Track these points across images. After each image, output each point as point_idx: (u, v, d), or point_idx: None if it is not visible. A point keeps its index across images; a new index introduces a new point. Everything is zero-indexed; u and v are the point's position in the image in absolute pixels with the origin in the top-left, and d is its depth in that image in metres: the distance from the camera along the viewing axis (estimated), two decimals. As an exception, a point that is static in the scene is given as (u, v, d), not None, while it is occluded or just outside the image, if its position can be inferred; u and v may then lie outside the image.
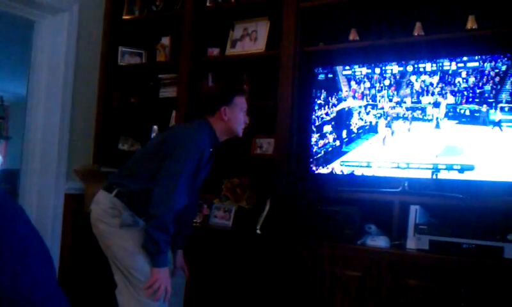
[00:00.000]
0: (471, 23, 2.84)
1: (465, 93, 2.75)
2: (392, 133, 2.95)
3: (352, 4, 3.18)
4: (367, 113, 3.04)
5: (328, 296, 2.73)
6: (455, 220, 2.72)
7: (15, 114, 8.96)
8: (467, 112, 2.74)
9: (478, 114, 2.71)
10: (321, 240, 2.81)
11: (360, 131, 3.05)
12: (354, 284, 2.66)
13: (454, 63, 2.80)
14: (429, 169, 2.81)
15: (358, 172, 3.01)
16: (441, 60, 2.84)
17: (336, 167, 3.08)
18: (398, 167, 2.90)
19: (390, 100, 2.97)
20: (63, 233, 3.78)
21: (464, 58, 2.77)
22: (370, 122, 3.02)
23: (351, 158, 3.05)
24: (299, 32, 3.24)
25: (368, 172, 2.98)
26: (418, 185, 2.85)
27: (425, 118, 2.86)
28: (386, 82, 3.00)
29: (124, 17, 4.05)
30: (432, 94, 2.85)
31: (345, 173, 3.06)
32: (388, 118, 2.97)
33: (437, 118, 2.83)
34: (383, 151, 2.96)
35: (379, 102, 3.01)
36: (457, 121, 2.77)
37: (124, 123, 4.06)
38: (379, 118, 3.00)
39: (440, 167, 2.78)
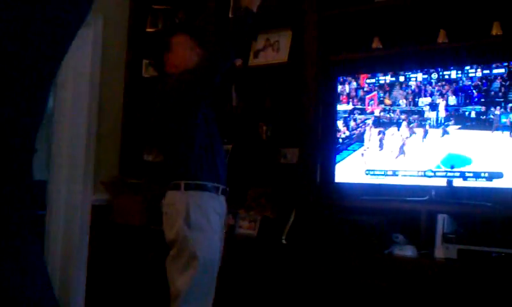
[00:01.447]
0: (496, 30, 2.82)
1: (494, 100, 2.73)
2: (418, 138, 2.94)
3: (375, 12, 3.18)
4: (389, 121, 3.03)
5: (355, 306, 2.71)
6: (483, 229, 2.68)
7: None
8: (494, 119, 2.72)
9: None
10: (348, 250, 2.80)
11: (381, 139, 3.04)
12: (382, 294, 2.64)
13: (479, 70, 2.78)
14: (456, 177, 2.79)
15: (383, 181, 3.00)
16: (467, 67, 2.82)
17: (362, 176, 3.07)
18: (424, 175, 2.88)
19: (416, 107, 2.96)
20: (91, 245, 3.83)
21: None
22: (393, 129, 3.01)
23: (376, 167, 3.04)
24: (322, 42, 3.25)
25: (394, 181, 2.97)
26: (445, 194, 2.83)
27: (446, 123, 2.84)
28: (410, 89, 2.99)
29: (147, 30, 4.10)
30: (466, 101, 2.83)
31: (370, 182, 3.05)
32: (412, 125, 2.95)
33: (460, 126, 2.80)
34: (408, 159, 2.95)
35: (404, 108, 2.99)
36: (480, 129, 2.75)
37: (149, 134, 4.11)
38: (400, 125, 2.98)
39: (467, 175, 2.76)
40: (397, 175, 2.97)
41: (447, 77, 2.89)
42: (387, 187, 2.99)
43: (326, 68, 3.26)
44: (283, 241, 3.07)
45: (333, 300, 2.78)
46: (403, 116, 3.00)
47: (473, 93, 2.80)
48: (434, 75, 2.93)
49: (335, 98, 3.23)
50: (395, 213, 2.88)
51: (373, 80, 3.13)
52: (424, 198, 2.84)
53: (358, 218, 2.85)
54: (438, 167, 2.85)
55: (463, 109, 2.82)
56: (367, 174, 3.06)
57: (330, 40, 3.30)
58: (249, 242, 3.22)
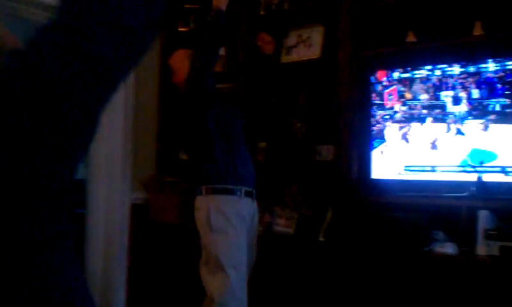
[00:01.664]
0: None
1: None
2: (452, 133, 2.90)
3: (408, 5, 3.13)
4: (426, 115, 3.00)
5: (395, 305, 2.72)
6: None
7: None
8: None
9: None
10: (387, 248, 2.80)
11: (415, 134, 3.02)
12: (423, 292, 2.64)
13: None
14: (497, 172, 2.75)
15: (422, 177, 2.98)
16: (505, 60, 2.77)
17: (400, 172, 3.06)
18: (464, 171, 2.85)
19: (454, 102, 2.92)
20: (130, 243, 3.91)
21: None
22: (430, 124, 2.98)
23: (415, 162, 3.01)
24: (355, 36, 3.23)
25: (432, 177, 2.94)
26: (485, 189, 2.79)
27: (488, 118, 2.80)
28: (445, 84, 2.95)
29: (179, 29, 4.13)
30: (497, 94, 2.79)
31: (407, 179, 3.03)
32: (450, 120, 2.92)
33: (501, 118, 2.76)
34: (447, 154, 2.92)
35: (439, 103, 2.96)
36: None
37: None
38: (441, 120, 2.95)
39: (508, 169, 2.72)
40: (435, 171, 2.94)
41: (483, 70, 2.84)
42: (425, 183, 2.97)
43: (359, 62, 3.24)
44: (321, 239, 3.09)
45: (372, 299, 2.79)
46: (436, 111, 2.96)
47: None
48: (472, 69, 2.88)
49: (370, 94, 3.21)
50: (433, 210, 2.86)
51: (408, 75, 3.09)
52: (464, 194, 2.81)
53: (396, 215, 2.85)
54: (474, 162, 2.82)
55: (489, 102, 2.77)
56: (405, 170, 3.05)
57: (364, 34, 3.28)
58: (286, 239, 3.24)
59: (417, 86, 3.06)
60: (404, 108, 3.08)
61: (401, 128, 3.08)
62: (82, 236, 3.89)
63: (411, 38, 3.17)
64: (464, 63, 2.91)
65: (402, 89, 3.10)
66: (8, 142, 0.70)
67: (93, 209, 3.98)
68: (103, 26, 0.74)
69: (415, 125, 3.04)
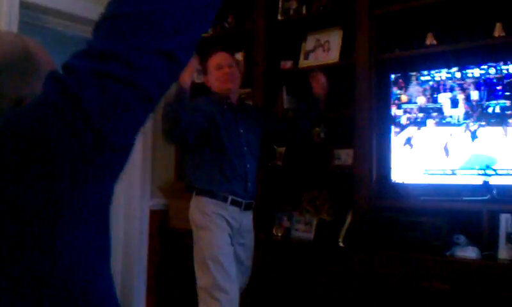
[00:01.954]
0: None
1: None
2: (474, 137, 2.86)
3: (428, 8, 3.11)
4: (447, 117, 2.96)
5: (416, 309, 2.68)
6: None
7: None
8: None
9: None
10: (407, 252, 2.76)
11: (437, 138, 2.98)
12: (444, 297, 2.60)
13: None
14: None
15: (442, 180, 2.94)
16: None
17: (419, 176, 3.02)
18: (485, 174, 2.80)
19: (473, 104, 2.88)
20: (149, 249, 3.93)
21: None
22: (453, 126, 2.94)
23: (435, 166, 2.98)
24: (374, 40, 3.21)
25: (453, 180, 2.90)
26: (506, 192, 2.75)
27: (509, 121, 2.76)
28: (466, 85, 2.91)
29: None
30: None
31: (429, 182, 2.99)
32: (471, 123, 2.88)
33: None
34: (466, 158, 2.87)
35: (458, 107, 2.92)
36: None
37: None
38: (462, 123, 2.91)
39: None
40: (455, 174, 2.90)
41: (505, 71, 2.80)
42: (445, 187, 2.93)
43: (378, 66, 3.22)
44: (340, 244, 3.06)
45: (393, 304, 2.75)
46: (457, 113, 2.93)
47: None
48: (492, 70, 2.84)
49: (389, 97, 3.18)
50: (454, 214, 2.82)
51: (428, 77, 3.06)
52: (485, 197, 2.77)
53: (416, 219, 2.81)
54: (496, 165, 2.77)
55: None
56: (424, 173, 3.01)
57: (382, 38, 3.26)
58: (306, 245, 3.22)
59: (436, 89, 3.02)
60: (423, 111, 3.05)
61: (421, 130, 3.05)
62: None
63: (430, 41, 3.14)
64: (485, 65, 2.86)
65: (422, 91, 3.07)
66: (46, 170, 0.71)
67: (112, 215, 4.02)
68: (146, 53, 0.73)
69: (435, 128, 3.00)
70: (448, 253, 2.70)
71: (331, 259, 3.05)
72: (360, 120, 3.16)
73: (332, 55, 3.50)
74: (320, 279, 3.06)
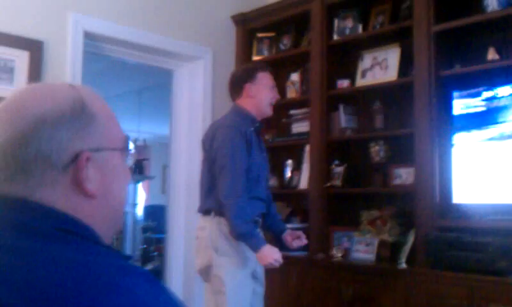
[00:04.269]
0: None
1: None
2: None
3: (488, 23, 3.03)
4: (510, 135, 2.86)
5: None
6: None
7: (155, 154, 9.64)
8: None
9: None
10: (472, 274, 2.66)
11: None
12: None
13: None
14: None
15: (506, 200, 2.83)
16: None
17: (482, 195, 2.92)
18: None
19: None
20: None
21: None
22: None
23: (498, 185, 2.87)
24: (433, 56, 3.15)
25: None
26: None
27: None
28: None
29: (254, 58, 4.22)
30: None
31: (491, 202, 2.88)
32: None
33: None
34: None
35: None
36: None
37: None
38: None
39: None
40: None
41: None
42: (509, 207, 2.81)
43: (438, 83, 3.15)
44: (403, 265, 2.99)
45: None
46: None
47: None
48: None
49: (450, 115, 3.11)
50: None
51: (491, 93, 2.97)
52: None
53: (481, 239, 2.71)
54: None
55: None
56: (487, 193, 2.90)
57: (442, 54, 3.19)
58: (367, 266, 3.16)
59: (498, 106, 2.92)
60: (485, 128, 2.95)
61: (482, 148, 2.95)
62: (163, 261, 3.99)
63: (492, 56, 3.05)
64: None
65: (483, 109, 2.98)
66: None
67: (173, 234, 4.11)
68: None
69: (497, 146, 2.90)
70: (515, 275, 2.59)
71: (394, 280, 2.98)
72: (419, 138, 3.10)
73: (390, 73, 3.47)
74: (382, 300, 2.99)
